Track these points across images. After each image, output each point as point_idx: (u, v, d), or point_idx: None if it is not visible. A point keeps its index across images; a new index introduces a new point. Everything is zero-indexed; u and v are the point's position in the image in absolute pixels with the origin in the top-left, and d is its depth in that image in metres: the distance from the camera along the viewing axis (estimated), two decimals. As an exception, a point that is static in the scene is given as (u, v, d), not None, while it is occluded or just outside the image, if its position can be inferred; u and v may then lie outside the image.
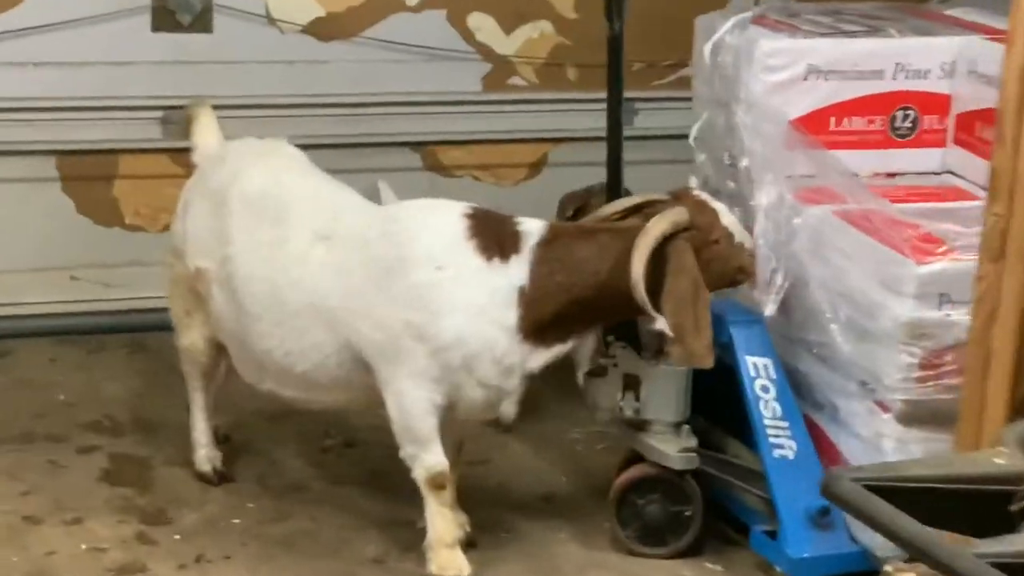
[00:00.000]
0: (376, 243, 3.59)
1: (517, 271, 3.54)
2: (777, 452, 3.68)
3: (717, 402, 3.88)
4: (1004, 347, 2.85)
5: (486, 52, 5.37)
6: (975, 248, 3.45)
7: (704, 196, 3.66)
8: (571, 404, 4.39)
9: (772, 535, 3.70)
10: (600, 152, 5.40)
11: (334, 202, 3.75)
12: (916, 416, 3.49)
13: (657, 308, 3.48)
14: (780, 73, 3.93)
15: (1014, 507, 2.43)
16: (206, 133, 4.03)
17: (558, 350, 3.59)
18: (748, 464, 3.80)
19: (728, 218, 3.60)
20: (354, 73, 5.24)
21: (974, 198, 3.87)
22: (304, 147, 4.97)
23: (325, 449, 4.36)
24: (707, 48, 4.10)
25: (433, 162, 5.39)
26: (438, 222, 3.60)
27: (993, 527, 2.43)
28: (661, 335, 3.65)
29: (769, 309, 3.70)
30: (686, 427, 3.80)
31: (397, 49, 5.25)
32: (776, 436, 3.69)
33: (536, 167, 5.53)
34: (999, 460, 2.54)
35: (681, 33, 5.14)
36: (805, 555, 3.61)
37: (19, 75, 4.94)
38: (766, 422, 3.70)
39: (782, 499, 3.65)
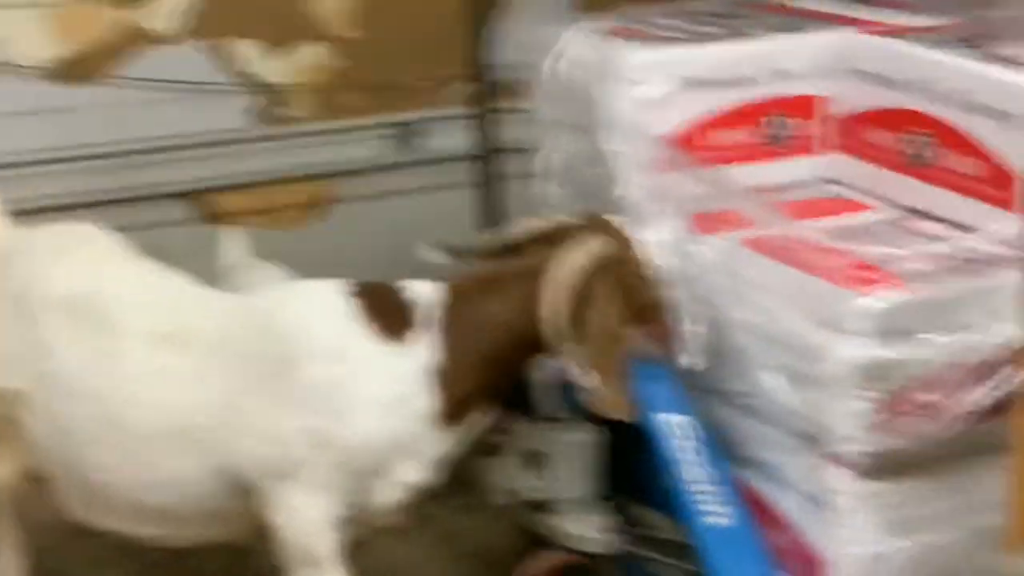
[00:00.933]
0: (246, 341, 3.01)
1: (425, 348, 3.03)
2: (711, 520, 3.23)
3: (622, 466, 3.42)
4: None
5: (254, 83, 4.79)
6: (917, 273, 3.11)
7: (621, 223, 3.19)
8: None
9: (712, 614, 3.26)
10: (389, 183, 5.00)
11: (171, 294, 3.13)
12: (875, 468, 3.09)
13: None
14: (649, 89, 3.48)
15: None
16: (-10, 220, 3.33)
17: (478, 425, 3.12)
18: (673, 537, 3.35)
19: (645, 249, 3.16)
20: (108, 118, 4.59)
21: (864, 208, 3.53)
22: (59, 207, 4.39)
23: (153, 565, 3.72)
24: (557, 65, 3.61)
25: (208, 211, 4.78)
26: (321, 306, 3.05)
27: None
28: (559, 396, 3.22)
29: (686, 359, 3.24)
30: (598, 503, 3.33)
31: (154, 87, 4.62)
32: (707, 503, 3.24)
33: (320, 206, 4.97)
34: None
35: (456, 43, 4.71)
36: (757, 634, 3.19)
37: None
38: (693, 487, 3.24)
39: (723, 573, 3.21)
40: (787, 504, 3.24)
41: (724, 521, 3.23)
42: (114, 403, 3.02)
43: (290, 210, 4.93)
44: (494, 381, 3.09)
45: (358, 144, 4.94)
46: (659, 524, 3.40)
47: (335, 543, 3.04)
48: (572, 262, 3.04)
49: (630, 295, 3.10)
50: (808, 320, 3.11)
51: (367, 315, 3.03)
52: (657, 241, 3.32)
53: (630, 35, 3.62)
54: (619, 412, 3.11)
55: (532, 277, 3.07)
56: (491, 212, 3.97)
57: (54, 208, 4.26)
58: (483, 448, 3.35)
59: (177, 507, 3.06)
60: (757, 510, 3.28)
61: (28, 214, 3.70)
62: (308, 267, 3.39)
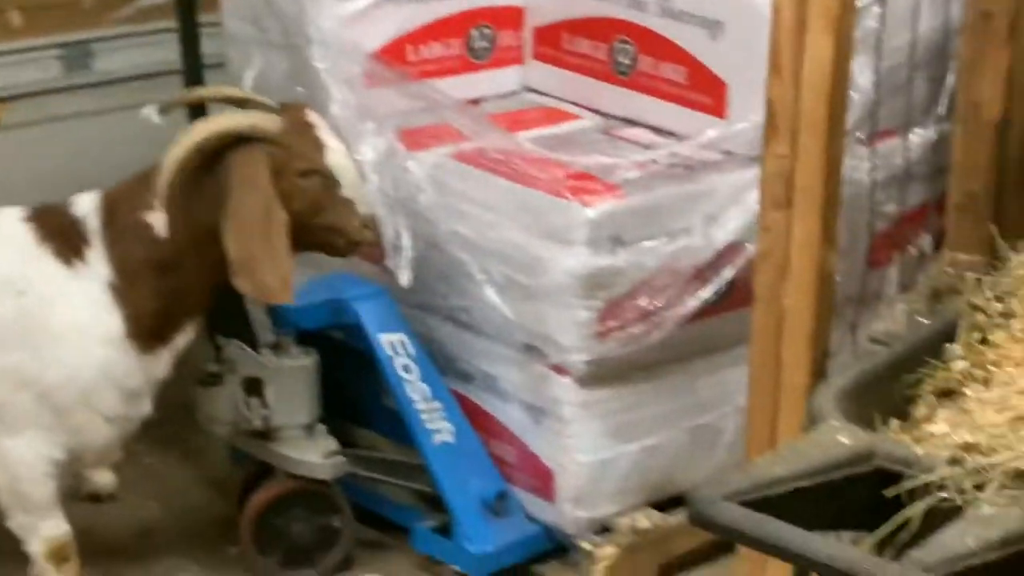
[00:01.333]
0: None
1: (99, 266, 2.87)
2: (437, 438, 3.22)
3: (341, 389, 3.37)
4: (799, 305, 2.51)
5: (-90, 4, 4.49)
6: (632, 181, 3.14)
7: (319, 122, 2.98)
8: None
9: (442, 531, 3.25)
10: (60, 106, 4.77)
11: None
12: (599, 376, 3.13)
13: (209, 228, 2.85)
14: (352, 3, 3.40)
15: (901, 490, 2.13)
16: None
17: (180, 341, 2.97)
18: (397, 457, 3.32)
19: (340, 161, 2.94)
20: None
21: (572, 117, 3.55)
22: None
23: None
24: (255, -21, 3.49)
25: None
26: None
27: (878, 514, 2.12)
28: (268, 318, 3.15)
29: (404, 278, 3.18)
30: (321, 427, 3.26)
31: None
32: (431, 420, 3.22)
33: (-12, 132, 4.71)
34: (843, 438, 2.22)
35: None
36: (489, 548, 3.19)
37: None
38: (417, 406, 3.22)
39: (451, 490, 3.21)
40: (512, 417, 3.25)
41: (448, 438, 3.23)
42: None
43: (-45, 138, 4.66)
44: (177, 291, 2.90)
45: (24, 67, 4.69)
46: (382, 445, 3.38)
47: (51, 486, 2.91)
48: (216, 120, 2.86)
49: (288, 195, 2.88)
50: (526, 232, 3.11)
51: (44, 239, 2.87)
52: (371, 161, 3.25)
53: (328, -52, 3.52)
54: (269, 297, 2.92)
55: None
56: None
57: None
58: (202, 378, 3.24)
59: None
60: (482, 424, 3.28)
61: None
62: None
